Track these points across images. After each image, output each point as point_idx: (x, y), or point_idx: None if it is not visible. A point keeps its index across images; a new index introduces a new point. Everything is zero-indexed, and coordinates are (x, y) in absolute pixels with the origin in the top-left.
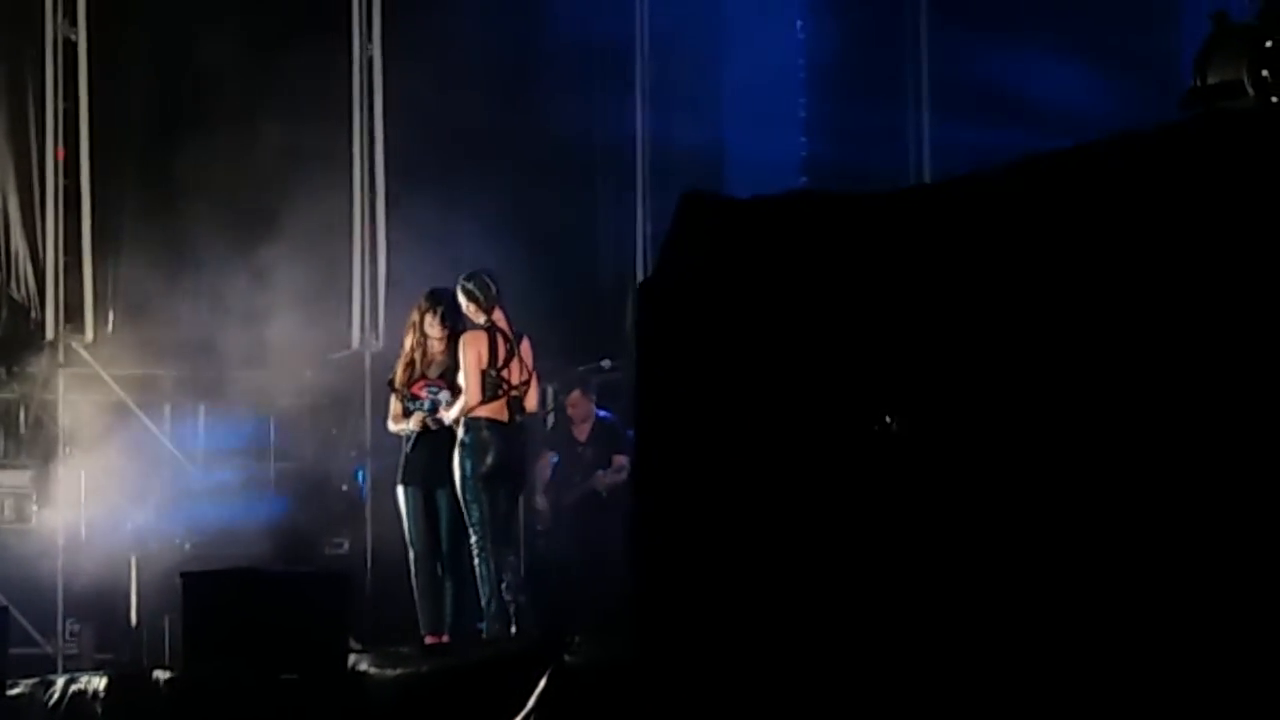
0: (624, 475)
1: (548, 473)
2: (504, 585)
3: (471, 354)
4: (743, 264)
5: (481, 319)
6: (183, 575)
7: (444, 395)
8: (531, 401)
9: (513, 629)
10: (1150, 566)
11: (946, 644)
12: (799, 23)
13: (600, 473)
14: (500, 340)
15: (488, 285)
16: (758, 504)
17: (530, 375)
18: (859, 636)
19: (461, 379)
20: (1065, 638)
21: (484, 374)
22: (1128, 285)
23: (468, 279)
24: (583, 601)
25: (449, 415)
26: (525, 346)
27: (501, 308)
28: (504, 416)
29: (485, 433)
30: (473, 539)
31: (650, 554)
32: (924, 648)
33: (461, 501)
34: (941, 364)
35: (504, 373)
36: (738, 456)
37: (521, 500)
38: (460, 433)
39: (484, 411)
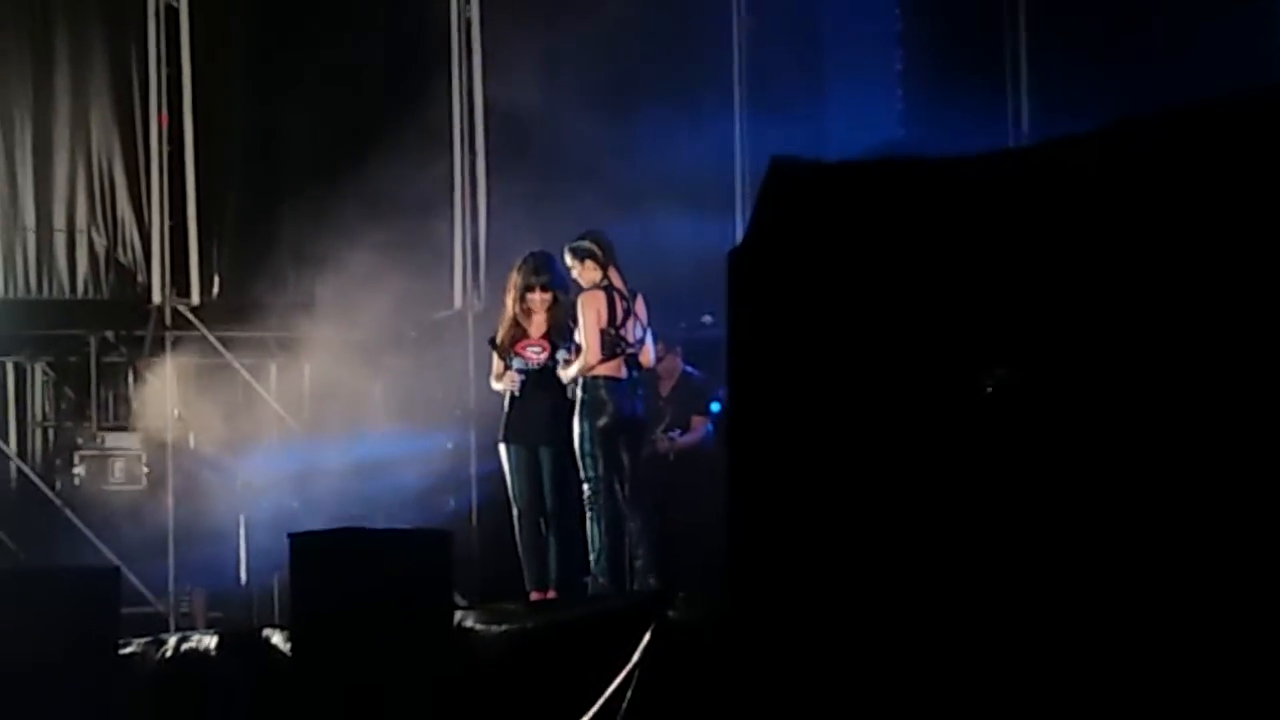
0: (699, 437)
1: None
2: (629, 540)
3: (591, 313)
4: (834, 228)
5: (598, 276)
6: (290, 536)
7: (561, 353)
8: (647, 357)
9: (631, 586)
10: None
11: (1049, 615)
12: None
13: (668, 436)
14: (618, 299)
15: (603, 244)
16: (856, 466)
17: (645, 332)
18: (960, 602)
19: (580, 337)
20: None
21: (603, 332)
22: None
23: (581, 238)
24: (691, 559)
25: (568, 373)
26: (640, 304)
27: (616, 266)
28: (621, 374)
29: (603, 391)
30: (586, 495)
31: (749, 517)
32: (1029, 618)
33: (579, 458)
34: (1042, 326)
35: (621, 330)
36: (834, 419)
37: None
38: (579, 391)
39: (602, 370)
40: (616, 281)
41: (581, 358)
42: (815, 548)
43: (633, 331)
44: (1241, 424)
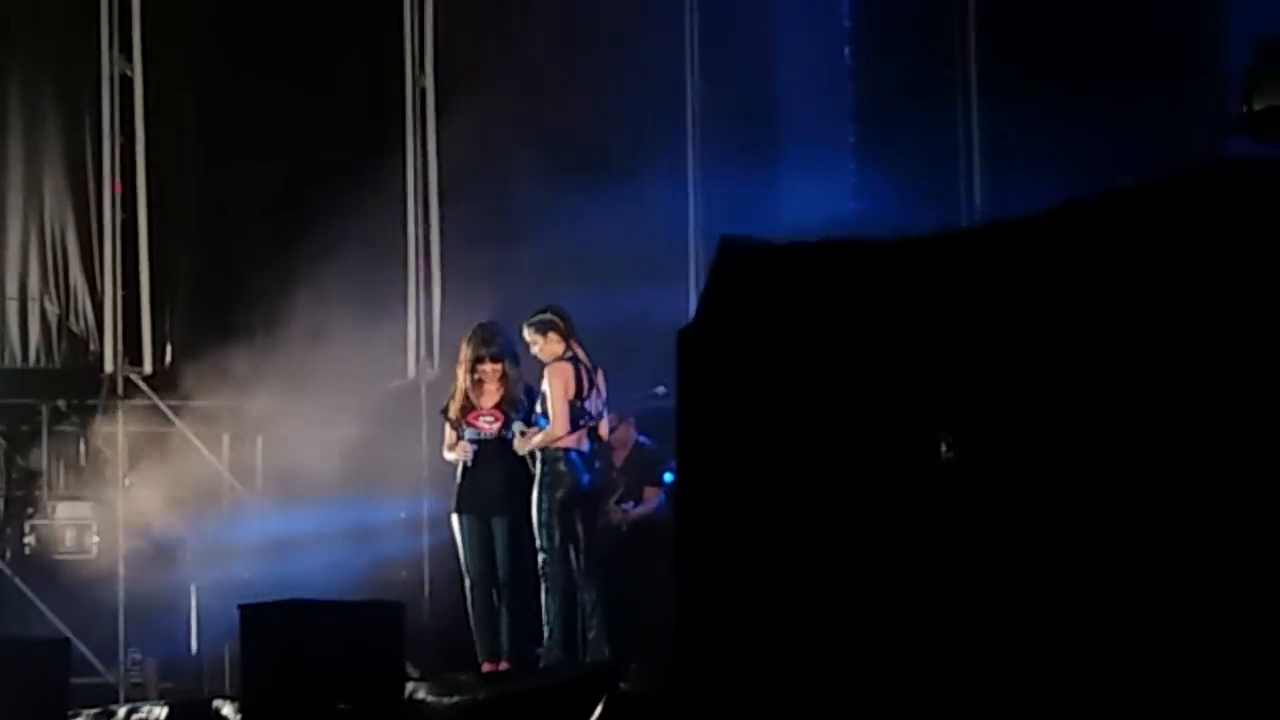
0: (652, 508)
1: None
2: (583, 611)
3: (559, 384)
4: (782, 307)
5: (560, 349)
6: (240, 608)
7: (517, 425)
8: (604, 429)
9: (584, 657)
10: (1207, 603)
11: (998, 674)
12: (846, 50)
13: (621, 507)
14: (583, 371)
15: (563, 315)
16: (802, 539)
17: (604, 405)
18: (909, 668)
19: (541, 408)
20: (1119, 666)
21: (570, 404)
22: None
23: (540, 312)
24: (644, 630)
25: (527, 445)
26: (600, 377)
27: (576, 338)
28: (583, 446)
29: (562, 464)
30: (541, 566)
31: (696, 592)
32: (976, 679)
33: (536, 529)
34: (983, 401)
35: (585, 403)
36: (781, 493)
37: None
38: (538, 463)
39: (565, 442)
40: (580, 354)
41: (548, 430)
42: (763, 621)
43: (595, 404)
44: (1179, 490)
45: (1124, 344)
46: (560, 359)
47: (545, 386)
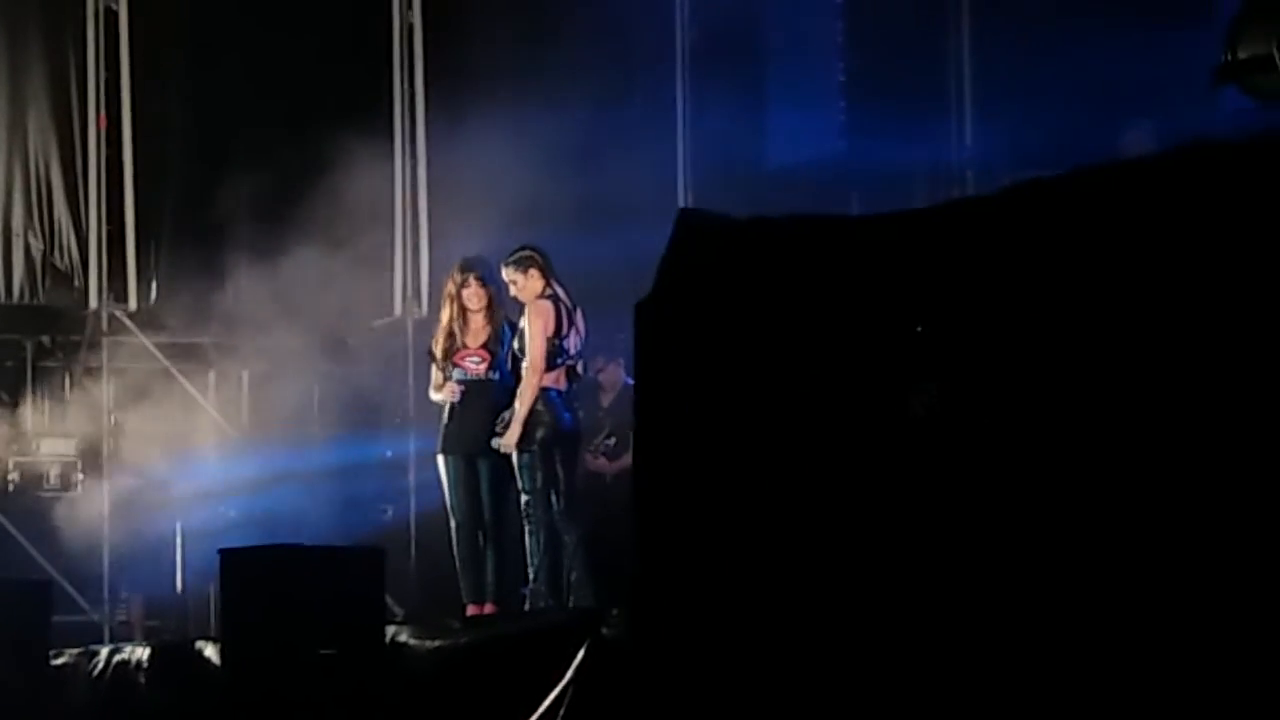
0: None
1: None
2: (565, 555)
3: (539, 322)
4: (739, 283)
5: (540, 286)
6: (221, 552)
7: (506, 414)
8: (580, 368)
9: (568, 599)
10: (1166, 564)
11: (955, 638)
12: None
13: (604, 445)
14: (563, 309)
15: (542, 253)
16: (761, 502)
17: (582, 344)
18: (864, 630)
19: (525, 345)
20: (1083, 635)
21: (548, 342)
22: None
23: (519, 250)
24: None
25: (512, 436)
26: (579, 316)
27: (555, 276)
28: (561, 385)
29: (540, 403)
30: (524, 507)
31: (654, 555)
32: (934, 642)
33: (517, 470)
34: (948, 376)
35: (565, 342)
36: (739, 459)
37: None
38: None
39: (544, 380)
40: (560, 292)
41: (523, 384)
42: (724, 592)
43: (574, 343)
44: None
45: (1083, 325)
46: (541, 297)
47: (524, 324)
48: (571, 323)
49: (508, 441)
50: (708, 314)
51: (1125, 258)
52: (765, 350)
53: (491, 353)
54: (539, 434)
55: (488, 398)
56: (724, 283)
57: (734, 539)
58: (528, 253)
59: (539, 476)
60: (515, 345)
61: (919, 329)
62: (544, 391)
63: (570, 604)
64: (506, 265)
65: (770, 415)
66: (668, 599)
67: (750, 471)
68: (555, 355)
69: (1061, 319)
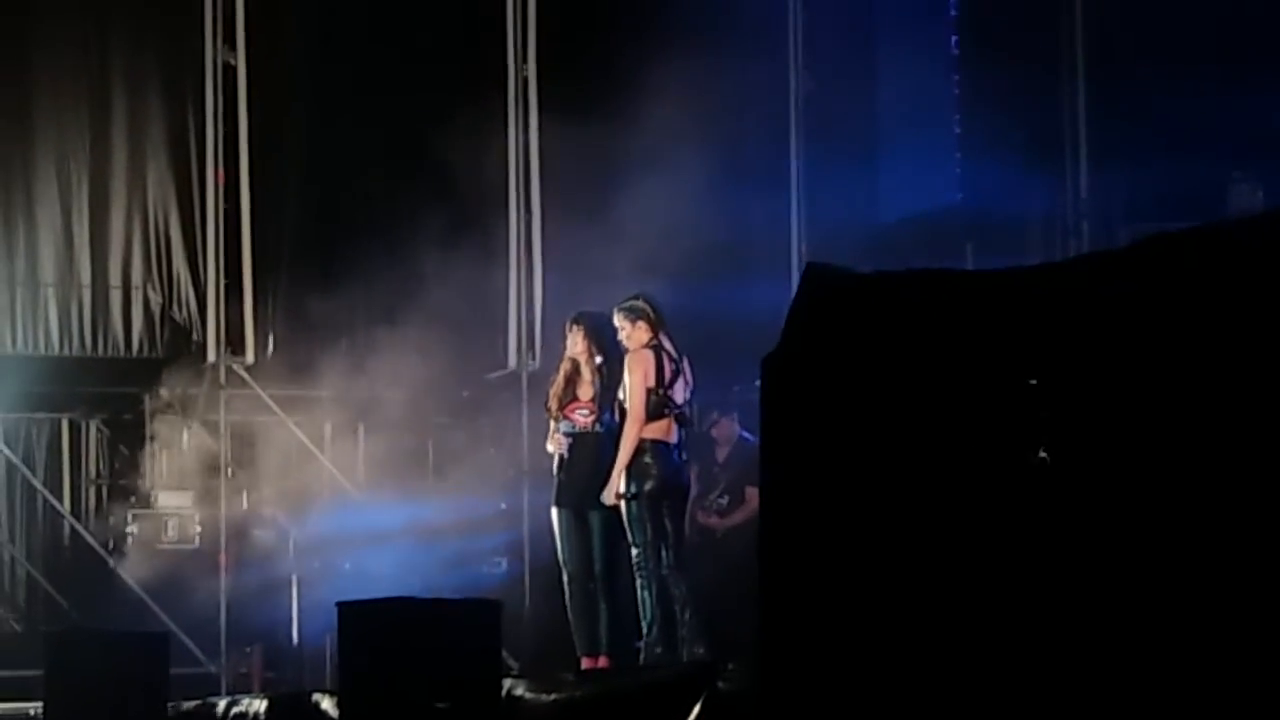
0: (754, 509)
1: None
2: (676, 607)
3: (639, 373)
4: (867, 338)
5: (647, 337)
6: (338, 604)
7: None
8: (690, 416)
9: (682, 652)
10: None
11: (1086, 687)
12: (953, 39)
13: (718, 503)
14: (666, 359)
15: (654, 305)
16: (888, 559)
17: (691, 395)
18: (993, 689)
19: (624, 397)
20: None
21: (649, 392)
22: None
23: (633, 299)
24: (742, 629)
25: (614, 488)
26: (686, 365)
27: (666, 329)
28: (670, 437)
29: (648, 455)
30: (635, 560)
31: (778, 611)
32: (1068, 693)
33: (626, 523)
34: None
35: (669, 392)
36: (866, 514)
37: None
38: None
39: (649, 432)
40: (665, 343)
41: (625, 431)
42: (853, 650)
43: (681, 393)
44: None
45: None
46: (644, 347)
47: (626, 375)
48: (678, 372)
49: (607, 494)
50: (835, 368)
51: (1248, 316)
52: (892, 405)
53: (600, 406)
54: (647, 486)
55: (594, 450)
56: (851, 337)
57: (861, 594)
58: (639, 303)
59: (648, 529)
60: (621, 396)
61: (1033, 382)
62: (652, 444)
63: (684, 658)
64: (618, 311)
65: (896, 470)
66: (793, 656)
67: (877, 529)
68: (661, 406)
69: (1184, 376)
